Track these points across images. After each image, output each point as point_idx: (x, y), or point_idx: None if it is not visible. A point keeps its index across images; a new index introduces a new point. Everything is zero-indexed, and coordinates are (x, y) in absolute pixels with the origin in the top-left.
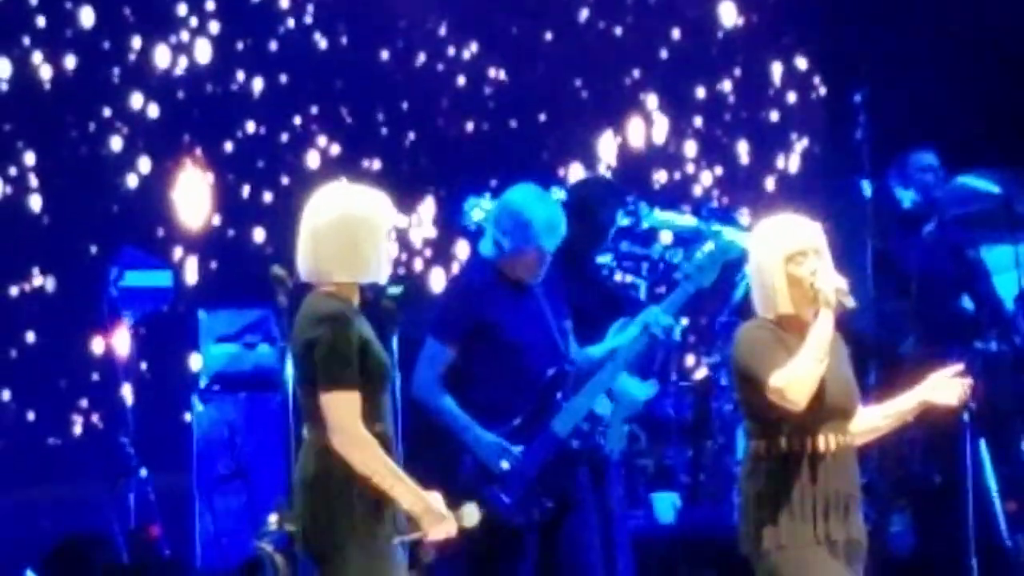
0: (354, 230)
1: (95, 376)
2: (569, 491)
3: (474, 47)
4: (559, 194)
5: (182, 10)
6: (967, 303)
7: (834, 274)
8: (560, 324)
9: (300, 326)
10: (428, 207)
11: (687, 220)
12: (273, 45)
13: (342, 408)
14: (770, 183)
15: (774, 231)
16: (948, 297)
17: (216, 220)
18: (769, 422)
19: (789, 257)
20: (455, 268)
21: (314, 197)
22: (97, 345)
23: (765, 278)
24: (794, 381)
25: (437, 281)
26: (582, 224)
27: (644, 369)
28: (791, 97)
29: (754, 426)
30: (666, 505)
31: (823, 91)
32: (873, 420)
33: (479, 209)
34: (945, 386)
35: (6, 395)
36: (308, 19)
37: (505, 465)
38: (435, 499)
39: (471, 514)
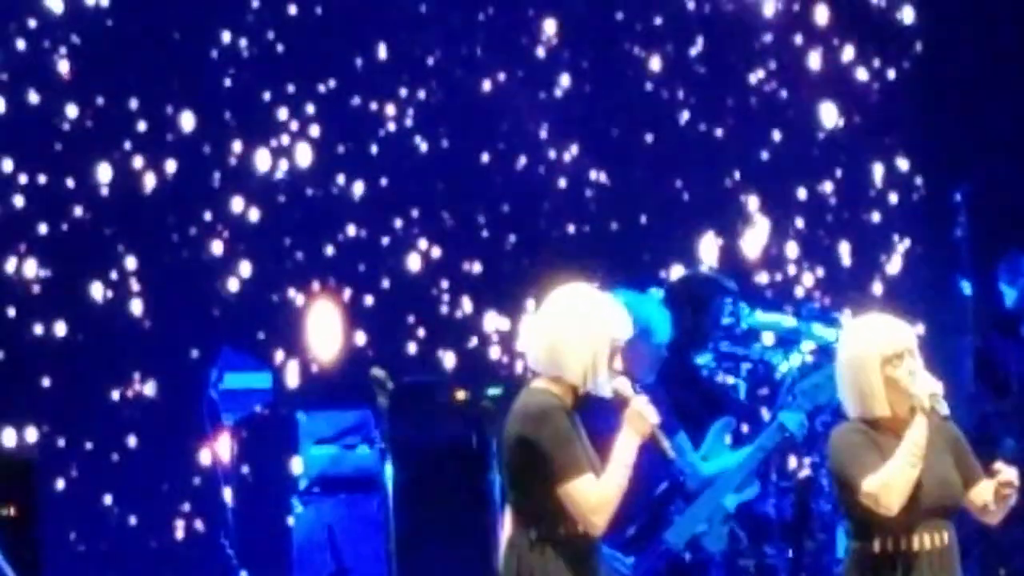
0: (572, 329)
1: (196, 480)
2: None
3: (575, 149)
4: (658, 293)
5: (283, 114)
6: None
7: (929, 378)
8: (673, 436)
9: (512, 421)
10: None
11: (787, 321)
12: (374, 148)
13: (587, 492)
14: (872, 284)
15: (870, 332)
16: None
17: (318, 322)
18: (864, 523)
19: (887, 360)
20: None
21: (553, 296)
22: (198, 448)
23: (861, 380)
24: (887, 486)
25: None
26: (683, 321)
27: None
28: (892, 197)
29: (852, 526)
30: None
31: (924, 191)
32: (987, 496)
33: None
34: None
35: (108, 499)
36: (409, 122)
37: None
38: (634, 417)
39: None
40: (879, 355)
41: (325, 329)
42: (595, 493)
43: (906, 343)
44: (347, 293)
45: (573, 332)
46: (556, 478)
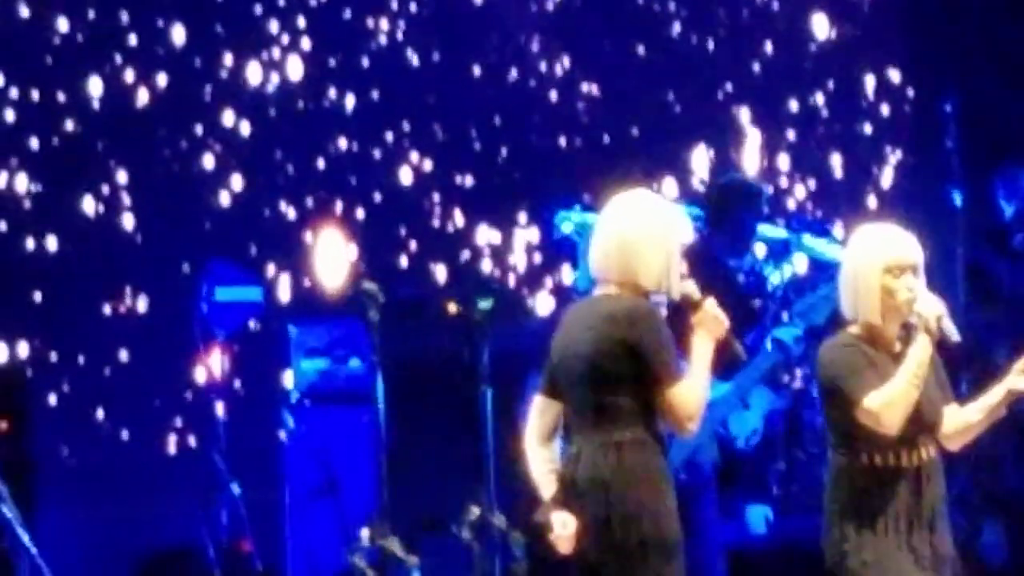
0: (646, 233)
1: (188, 394)
2: (684, 521)
3: (566, 62)
4: (691, 209)
5: (274, 27)
6: None
7: (934, 299)
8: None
9: (605, 324)
10: (521, 222)
11: (779, 233)
12: (365, 61)
13: (687, 397)
14: (864, 195)
15: (877, 238)
16: None
17: (309, 237)
18: (852, 437)
19: (888, 268)
20: (549, 283)
21: (617, 202)
22: (190, 363)
23: (859, 283)
24: (889, 405)
25: (539, 300)
26: (717, 227)
27: None
28: (884, 109)
29: (839, 440)
30: (758, 517)
31: (915, 102)
32: (967, 417)
33: (569, 222)
34: None
35: (100, 414)
36: (400, 35)
37: None
38: (708, 319)
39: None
40: (882, 262)
41: (328, 255)
42: (692, 399)
43: (911, 259)
44: (339, 206)
45: (647, 236)
46: (664, 382)
